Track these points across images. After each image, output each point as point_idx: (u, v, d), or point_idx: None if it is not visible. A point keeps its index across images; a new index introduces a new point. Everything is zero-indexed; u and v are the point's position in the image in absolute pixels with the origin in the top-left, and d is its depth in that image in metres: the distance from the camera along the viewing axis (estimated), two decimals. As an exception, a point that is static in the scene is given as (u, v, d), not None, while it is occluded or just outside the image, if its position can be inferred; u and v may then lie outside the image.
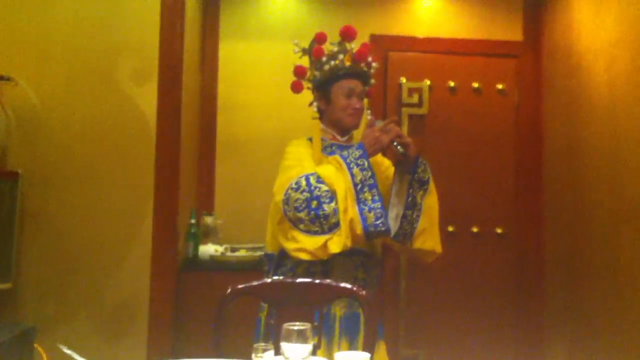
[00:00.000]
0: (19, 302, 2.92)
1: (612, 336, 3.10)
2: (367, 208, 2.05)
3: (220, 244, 3.65)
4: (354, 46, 2.30)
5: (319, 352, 1.91)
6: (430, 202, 2.24)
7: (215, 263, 3.45)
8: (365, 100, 2.37)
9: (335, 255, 2.03)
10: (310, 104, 2.35)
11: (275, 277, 2.16)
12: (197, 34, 3.92)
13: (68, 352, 1.50)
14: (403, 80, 4.09)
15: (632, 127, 2.98)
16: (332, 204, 2.01)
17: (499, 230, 4.10)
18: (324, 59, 2.27)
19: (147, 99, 3.04)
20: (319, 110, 2.32)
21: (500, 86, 4.16)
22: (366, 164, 2.09)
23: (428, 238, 2.24)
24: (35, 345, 2.41)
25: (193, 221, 3.56)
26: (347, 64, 2.27)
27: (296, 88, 2.39)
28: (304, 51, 2.36)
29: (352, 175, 2.07)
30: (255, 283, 1.98)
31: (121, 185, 3.03)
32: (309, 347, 1.44)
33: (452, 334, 3.97)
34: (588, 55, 3.47)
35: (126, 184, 3.03)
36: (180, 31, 3.12)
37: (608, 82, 3.22)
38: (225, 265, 3.43)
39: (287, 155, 2.25)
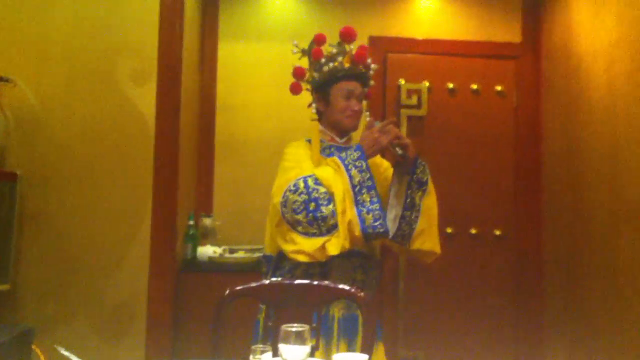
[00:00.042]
0: (17, 303, 2.92)
1: (611, 336, 3.11)
2: (365, 210, 2.05)
3: (219, 245, 3.65)
4: (353, 47, 2.30)
5: (317, 353, 1.90)
6: (429, 202, 2.24)
7: (213, 264, 3.45)
8: (364, 102, 2.37)
9: (333, 257, 2.03)
10: (309, 105, 2.35)
11: (274, 279, 2.16)
12: (196, 34, 3.92)
13: (66, 353, 1.50)
14: (402, 81, 4.09)
15: (631, 128, 2.98)
16: (330, 206, 2.01)
17: (497, 232, 4.10)
18: (323, 60, 2.27)
19: (146, 99, 3.05)
20: (318, 112, 2.32)
21: (499, 87, 4.17)
22: (364, 165, 2.09)
23: (427, 239, 2.23)
24: (33, 346, 2.41)
25: (192, 222, 3.56)
26: (346, 65, 2.27)
27: (295, 90, 2.39)
28: (303, 52, 2.36)
29: (350, 177, 2.07)
30: (253, 284, 1.97)
31: (120, 186, 3.03)
32: (306, 348, 1.44)
33: (451, 336, 3.97)
34: (587, 56, 3.47)
35: (125, 185, 3.03)
36: (179, 32, 3.12)
37: (607, 83, 3.22)
38: (224, 267, 3.43)
39: (286, 156, 2.25)
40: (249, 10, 4.14)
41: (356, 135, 2.35)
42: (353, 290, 1.93)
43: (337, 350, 2.10)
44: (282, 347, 1.43)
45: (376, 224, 2.04)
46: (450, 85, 4.14)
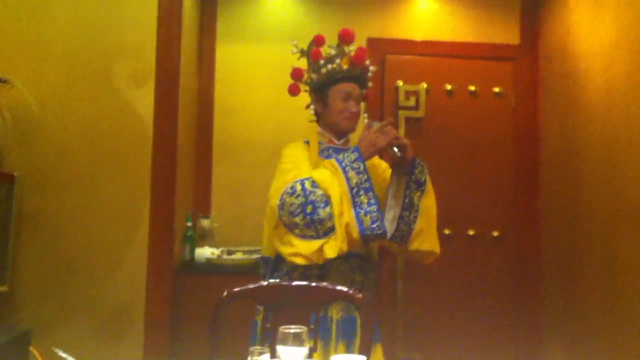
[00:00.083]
0: (15, 304, 2.92)
1: (611, 337, 3.11)
2: (363, 211, 2.05)
3: (217, 246, 3.65)
4: (352, 49, 2.31)
5: (315, 355, 1.91)
6: (428, 203, 2.23)
7: (211, 266, 3.45)
8: (362, 104, 2.37)
9: (331, 259, 2.03)
10: (308, 107, 2.35)
11: (272, 280, 2.16)
12: (195, 35, 3.93)
13: (64, 355, 1.50)
14: (400, 83, 4.10)
15: (629, 129, 2.98)
16: (327, 209, 2.00)
17: (495, 233, 4.10)
18: (322, 62, 2.27)
19: (144, 101, 3.05)
20: (316, 113, 2.32)
21: (497, 89, 4.17)
22: (362, 167, 2.09)
23: (426, 239, 2.23)
24: (31, 348, 2.41)
25: (189, 224, 3.56)
26: (345, 67, 2.27)
27: (293, 91, 2.39)
28: (302, 53, 2.36)
29: (348, 179, 2.07)
30: (251, 286, 1.97)
31: (118, 187, 3.03)
32: (304, 350, 1.44)
33: (449, 337, 3.97)
34: (585, 58, 3.48)
35: (123, 186, 3.03)
36: (177, 33, 3.12)
37: (606, 84, 3.22)
38: (222, 268, 3.43)
39: (284, 158, 2.24)
40: (247, 12, 4.14)
41: (354, 137, 2.35)
42: (351, 291, 1.93)
43: (336, 352, 2.10)
44: (279, 348, 1.43)
45: (374, 225, 2.04)
46: (449, 87, 4.14)
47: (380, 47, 4.08)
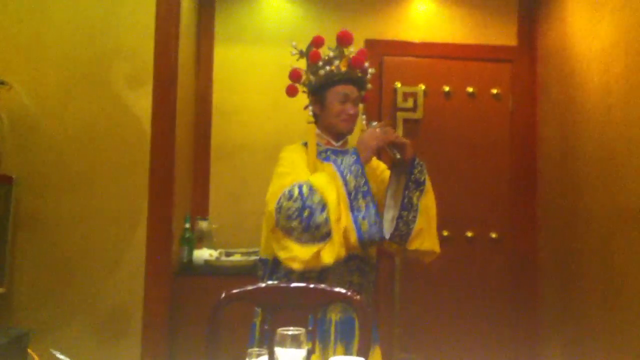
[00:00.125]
0: (13, 306, 2.92)
1: (608, 338, 3.11)
2: (360, 216, 2.05)
3: (215, 248, 3.65)
4: (353, 50, 2.31)
5: (313, 357, 1.90)
6: (427, 202, 2.23)
7: (209, 268, 3.44)
8: (361, 105, 2.37)
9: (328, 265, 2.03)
10: (306, 107, 2.35)
11: (270, 282, 2.16)
12: (192, 37, 3.92)
13: (61, 357, 1.50)
14: (398, 84, 4.10)
15: (626, 132, 2.99)
16: (324, 214, 2.00)
17: (493, 235, 4.10)
18: (320, 63, 2.27)
19: (142, 102, 3.05)
20: (314, 115, 2.32)
21: (494, 91, 4.18)
22: (360, 170, 2.09)
23: (426, 238, 2.22)
24: (29, 350, 2.40)
25: (187, 225, 3.55)
26: (343, 69, 2.27)
27: (291, 92, 2.39)
28: (302, 54, 2.37)
29: (346, 183, 2.07)
30: (249, 288, 1.97)
31: (116, 189, 3.02)
32: (302, 352, 1.44)
33: (447, 338, 3.97)
34: (583, 60, 3.49)
35: (121, 188, 3.03)
36: (175, 35, 3.12)
37: (603, 86, 3.23)
38: (220, 270, 3.43)
39: (281, 161, 2.24)
40: (245, 13, 4.14)
41: (352, 139, 2.35)
42: (349, 293, 1.93)
43: (335, 354, 2.10)
44: (278, 350, 1.43)
45: (372, 230, 2.05)
46: (446, 88, 4.15)
47: (378, 48, 4.09)
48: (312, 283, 2.02)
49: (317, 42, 2.32)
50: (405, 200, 2.17)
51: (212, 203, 4.03)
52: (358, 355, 1.87)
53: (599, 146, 3.25)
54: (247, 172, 4.01)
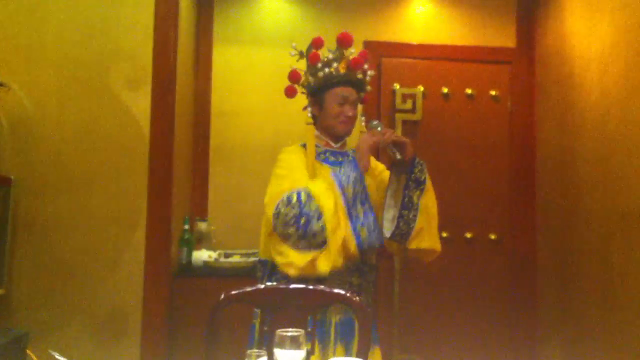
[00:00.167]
0: (12, 307, 2.91)
1: (606, 339, 3.11)
2: (359, 223, 2.06)
3: (214, 249, 3.65)
4: (354, 51, 2.31)
5: (313, 358, 1.90)
6: (428, 201, 2.23)
7: (208, 269, 3.44)
8: (360, 107, 2.38)
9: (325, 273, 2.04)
10: (305, 109, 2.35)
11: (269, 283, 2.16)
12: (191, 39, 3.92)
13: (60, 358, 1.50)
14: (397, 86, 4.10)
15: (624, 133, 2.99)
16: (320, 222, 2.01)
17: (492, 236, 4.11)
18: (319, 65, 2.27)
19: (140, 104, 3.05)
20: (313, 116, 2.32)
21: (493, 92, 4.18)
22: (358, 177, 2.09)
23: (426, 237, 2.23)
24: (28, 351, 2.40)
25: (186, 227, 3.55)
26: (342, 71, 2.27)
27: (290, 93, 2.39)
28: (301, 55, 2.37)
29: (344, 192, 2.07)
30: (248, 289, 1.97)
31: (115, 190, 3.02)
32: (302, 353, 1.44)
33: (447, 338, 3.97)
34: (581, 62, 3.49)
35: (120, 190, 3.02)
36: (174, 36, 3.12)
37: (601, 87, 3.23)
38: (219, 271, 3.42)
39: (280, 162, 2.24)
40: (244, 14, 4.13)
41: (351, 140, 2.36)
42: (349, 294, 1.93)
43: (334, 354, 2.11)
44: (277, 351, 1.43)
45: (372, 237, 2.06)
46: (445, 90, 4.15)
47: (376, 50, 4.09)
48: (312, 284, 2.02)
49: (317, 43, 2.32)
50: (406, 200, 2.17)
51: (211, 204, 4.02)
52: (357, 356, 1.87)
53: (598, 147, 3.25)
54: (246, 173, 4.01)
